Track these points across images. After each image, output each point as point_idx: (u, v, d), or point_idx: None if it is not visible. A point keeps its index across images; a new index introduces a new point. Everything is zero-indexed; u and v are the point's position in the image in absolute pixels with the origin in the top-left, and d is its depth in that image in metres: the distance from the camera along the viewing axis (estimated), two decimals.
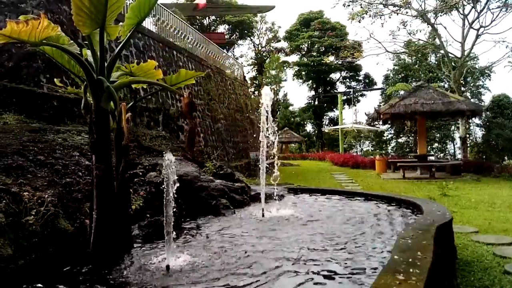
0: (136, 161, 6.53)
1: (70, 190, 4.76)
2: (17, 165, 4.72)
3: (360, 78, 52.76)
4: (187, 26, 20.47)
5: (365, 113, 23.50)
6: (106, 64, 3.93)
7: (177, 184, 3.76)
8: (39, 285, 3.19)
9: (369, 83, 51.83)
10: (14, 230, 3.69)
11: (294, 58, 53.28)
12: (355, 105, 50.18)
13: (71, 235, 4.18)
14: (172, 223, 3.71)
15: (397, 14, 27.25)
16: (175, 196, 3.74)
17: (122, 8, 3.68)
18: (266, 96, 6.19)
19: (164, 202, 3.71)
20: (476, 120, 30.20)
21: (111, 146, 4.03)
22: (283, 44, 53.41)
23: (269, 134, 6.14)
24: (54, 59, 4.11)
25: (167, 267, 3.45)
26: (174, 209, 3.77)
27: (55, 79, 5.43)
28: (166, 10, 17.72)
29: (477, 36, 25.42)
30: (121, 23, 4.08)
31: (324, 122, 52.50)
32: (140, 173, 6.13)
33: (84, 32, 3.71)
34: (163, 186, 3.73)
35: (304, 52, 51.22)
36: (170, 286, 3.11)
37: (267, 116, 6.05)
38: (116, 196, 3.93)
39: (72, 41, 3.95)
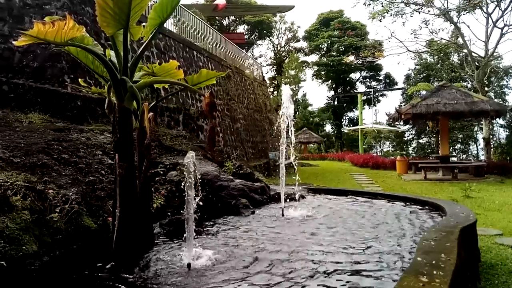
0: (158, 160, 6.61)
1: (94, 188, 4.85)
2: (42, 163, 4.83)
3: (381, 78, 52.24)
4: (207, 26, 20.59)
5: (386, 113, 23.18)
6: (129, 64, 3.98)
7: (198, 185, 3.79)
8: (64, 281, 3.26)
9: (389, 83, 51.27)
10: (39, 227, 3.78)
11: (313, 58, 53.14)
12: (375, 105, 49.78)
13: (94, 232, 4.26)
14: (193, 222, 3.74)
15: (419, 13, 26.97)
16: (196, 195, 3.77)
17: (145, 9, 3.73)
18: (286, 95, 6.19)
19: (186, 201, 3.73)
20: (500, 121, 29.64)
21: (134, 145, 4.09)
22: (303, 44, 53.30)
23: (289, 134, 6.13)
24: (79, 60, 4.18)
25: (188, 265, 3.47)
26: (195, 208, 3.79)
27: (79, 79, 5.54)
28: (187, 11, 17.86)
29: (501, 35, 24.96)
30: (143, 24, 4.13)
31: (343, 122, 52.17)
32: (161, 172, 6.20)
33: (108, 33, 3.77)
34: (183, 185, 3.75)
35: (323, 52, 50.98)
36: (191, 284, 3.14)
37: (287, 116, 6.04)
38: (138, 195, 3.98)
39: (96, 42, 4.02)
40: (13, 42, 3.55)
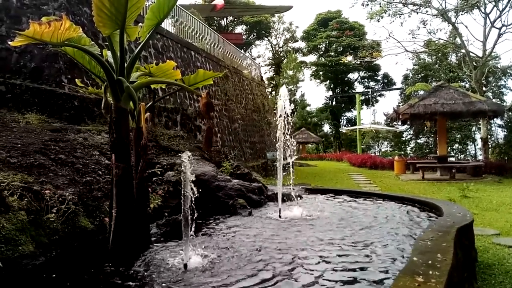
0: (155, 161, 6.60)
1: (90, 188, 4.84)
2: (39, 163, 4.82)
3: (379, 78, 52.32)
4: (205, 27, 20.57)
5: (384, 113, 23.23)
6: (126, 64, 3.97)
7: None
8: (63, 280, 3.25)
9: (387, 83, 51.35)
10: (36, 227, 3.76)
11: (311, 58, 53.24)
12: (374, 105, 49.85)
13: (91, 233, 4.25)
14: (190, 222, 3.73)
15: (417, 13, 27.05)
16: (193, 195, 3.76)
17: (141, 9, 3.73)
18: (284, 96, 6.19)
19: (182, 201, 3.73)
20: (498, 121, 29.70)
21: (131, 145, 4.08)
22: (301, 44, 53.35)
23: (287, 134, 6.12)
24: (76, 60, 4.18)
25: (185, 265, 3.47)
26: (192, 208, 3.79)
27: (76, 80, 5.53)
28: (184, 11, 17.84)
29: (499, 35, 25.00)
30: (140, 24, 4.12)
31: (341, 123, 52.21)
32: (159, 173, 6.19)
33: (104, 33, 3.77)
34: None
35: (321, 52, 51.02)
36: (188, 284, 3.13)
37: (285, 117, 6.03)
38: (135, 195, 3.98)
39: (93, 42, 4.02)
40: (10, 42, 3.54)
